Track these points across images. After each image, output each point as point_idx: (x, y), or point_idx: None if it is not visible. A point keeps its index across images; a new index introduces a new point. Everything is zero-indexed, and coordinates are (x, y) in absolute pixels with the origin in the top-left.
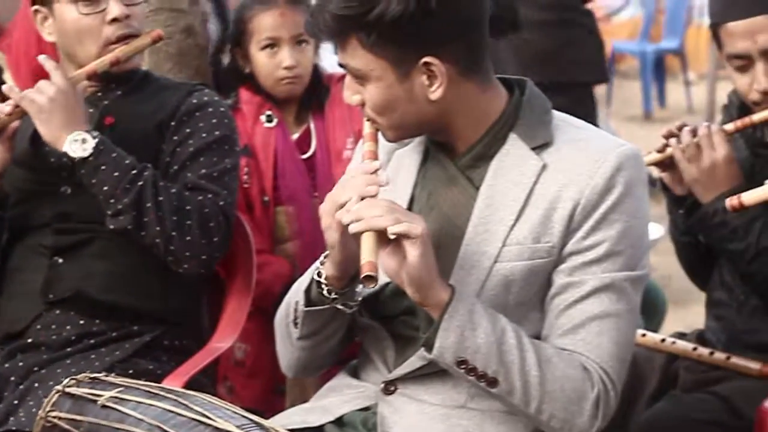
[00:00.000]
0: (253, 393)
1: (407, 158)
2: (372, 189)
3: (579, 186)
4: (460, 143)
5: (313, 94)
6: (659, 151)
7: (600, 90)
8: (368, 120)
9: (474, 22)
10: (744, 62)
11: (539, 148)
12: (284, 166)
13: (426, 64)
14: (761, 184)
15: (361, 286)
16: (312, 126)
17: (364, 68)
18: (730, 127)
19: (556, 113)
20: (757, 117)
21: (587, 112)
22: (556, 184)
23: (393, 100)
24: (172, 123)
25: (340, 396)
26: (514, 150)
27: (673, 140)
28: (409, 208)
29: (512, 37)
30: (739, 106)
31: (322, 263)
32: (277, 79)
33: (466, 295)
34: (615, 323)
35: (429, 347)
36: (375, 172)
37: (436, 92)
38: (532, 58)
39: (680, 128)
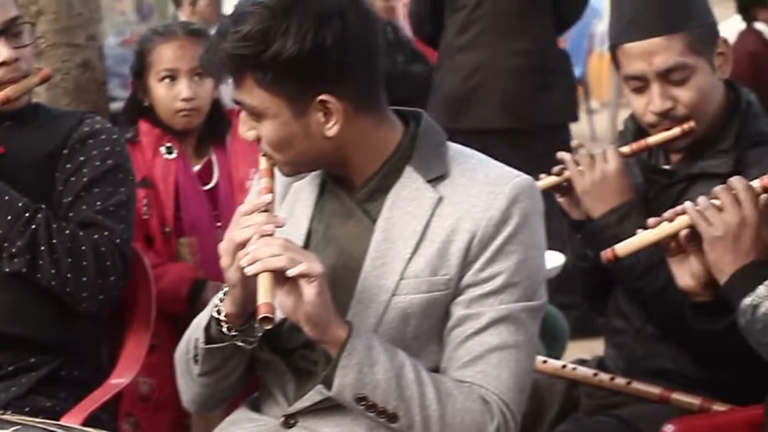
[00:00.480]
0: (159, 428)
1: (304, 191)
2: (269, 228)
3: (475, 218)
4: (356, 177)
5: (214, 127)
6: (556, 174)
7: None
8: (264, 155)
9: (369, 59)
10: (640, 83)
11: (435, 180)
12: (186, 196)
13: (322, 101)
14: (655, 210)
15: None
16: (213, 158)
17: (259, 106)
18: (626, 149)
19: (452, 145)
20: (652, 139)
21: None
22: (453, 217)
23: (289, 137)
24: (65, 151)
25: (240, 430)
26: (410, 183)
27: (570, 160)
28: (307, 241)
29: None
30: (635, 132)
31: (221, 300)
32: (175, 110)
33: (363, 331)
34: (514, 354)
35: (328, 385)
36: (270, 208)
37: (332, 129)
38: (510, 103)
39: (576, 148)
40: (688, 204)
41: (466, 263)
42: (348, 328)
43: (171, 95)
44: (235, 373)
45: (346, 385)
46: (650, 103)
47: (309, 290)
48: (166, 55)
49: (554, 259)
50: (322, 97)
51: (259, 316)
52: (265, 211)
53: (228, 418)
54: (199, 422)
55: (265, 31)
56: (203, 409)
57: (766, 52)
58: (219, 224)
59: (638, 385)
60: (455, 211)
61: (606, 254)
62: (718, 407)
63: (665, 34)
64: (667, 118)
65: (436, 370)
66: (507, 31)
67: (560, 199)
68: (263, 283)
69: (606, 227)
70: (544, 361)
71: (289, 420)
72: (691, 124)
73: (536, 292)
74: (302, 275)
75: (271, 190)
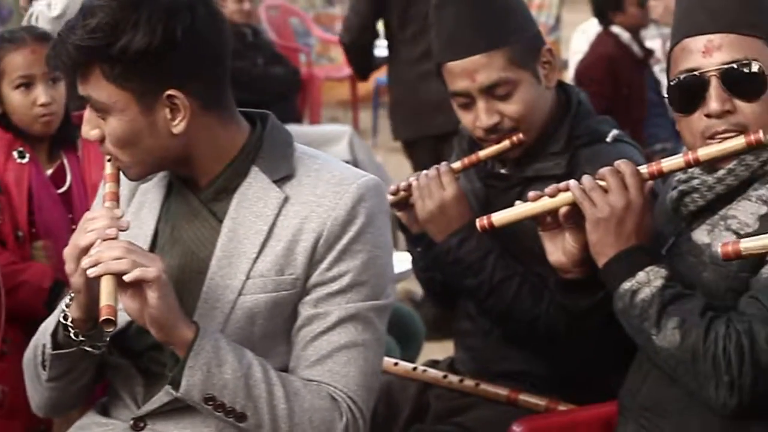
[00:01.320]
0: None
1: (151, 193)
2: (112, 231)
3: (321, 218)
4: (202, 177)
5: (65, 131)
6: (393, 193)
7: (366, 121)
8: (109, 160)
9: (217, 56)
10: (466, 100)
11: (281, 180)
12: (40, 200)
13: (170, 97)
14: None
15: None
16: (65, 162)
17: (106, 100)
18: (457, 165)
19: (299, 146)
20: (483, 153)
21: None
22: (299, 216)
23: (135, 133)
24: None
25: None
26: (256, 183)
27: (414, 181)
28: (153, 243)
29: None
30: (470, 139)
31: (67, 306)
32: (34, 116)
33: (210, 331)
34: (362, 353)
35: (176, 385)
36: (114, 213)
37: (179, 126)
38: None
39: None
40: (572, 182)
41: (312, 263)
42: (195, 329)
43: (28, 101)
44: (84, 377)
45: (193, 385)
46: (477, 119)
47: (151, 294)
48: (18, 62)
49: (405, 261)
50: (170, 92)
51: (101, 319)
52: (109, 215)
53: (77, 423)
54: (62, 426)
55: (114, 23)
56: (52, 413)
57: (621, 55)
58: (74, 227)
59: (487, 387)
60: (301, 210)
61: (481, 222)
62: (564, 407)
63: (485, 51)
64: (495, 132)
65: (285, 370)
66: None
67: (399, 214)
68: (105, 286)
69: (448, 251)
70: (396, 363)
71: (138, 423)
72: (520, 136)
73: (383, 291)
74: (139, 280)
75: (116, 196)
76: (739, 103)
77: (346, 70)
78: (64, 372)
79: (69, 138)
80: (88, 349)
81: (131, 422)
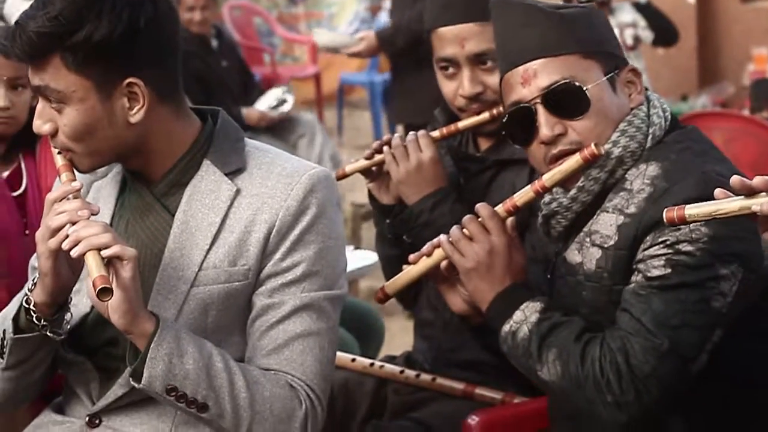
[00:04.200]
0: None
1: (105, 189)
2: (84, 213)
3: (273, 209)
4: (155, 170)
5: (24, 133)
6: (367, 158)
7: (331, 120)
8: (60, 152)
9: (173, 48)
10: (452, 68)
11: (233, 173)
12: None
13: (129, 84)
14: (467, 196)
15: (69, 315)
16: (23, 164)
17: (65, 89)
18: (435, 134)
19: (249, 141)
20: (462, 124)
21: None
22: (251, 208)
23: (93, 123)
24: None
25: None
26: (208, 176)
27: (385, 147)
28: None
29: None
30: (446, 122)
31: (30, 290)
32: None
33: (170, 322)
34: (317, 341)
35: (137, 377)
36: (79, 195)
37: (136, 115)
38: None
39: (389, 139)
40: (442, 237)
41: (265, 254)
42: (156, 321)
43: None
44: (40, 368)
45: (155, 376)
46: (460, 87)
47: (124, 273)
48: None
49: (368, 258)
50: (131, 79)
51: (98, 288)
52: (75, 198)
53: (33, 422)
54: (6, 426)
55: (77, 11)
56: (5, 407)
57: None
58: (27, 232)
59: (443, 381)
60: (253, 202)
61: (377, 295)
62: (519, 400)
63: (480, 20)
64: (476, 101)
65: (239, 361)
66: None
67: (369, 185)
68: (91, 261)
69: (420, 213)
70: (353, 359)
71: (94, 420)
72: (500, 108)
73: (336, 281)
74: (118, 257)
75: (75, 179)
76: (569, 123)
77: (311, 69)
78: (22, 359)
79: (29, 140)
80: (49, 334)
81: (86, 419)
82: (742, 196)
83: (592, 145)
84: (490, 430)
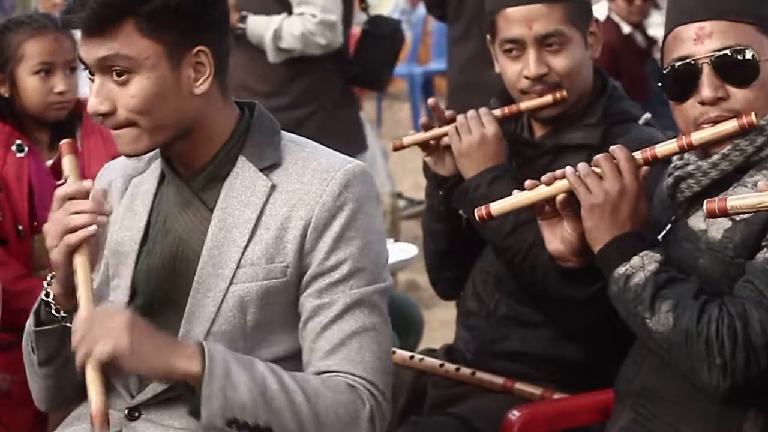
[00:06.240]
0: (20, 423)
1: (144, 185)
2: (102, 219)
3: (309, 205)
4: (195, 161)
5: (68, 121)
6: (426, 130)
7: (370, 112)
8: (69, 155)
9: (229, 18)
10: (517, 50)
11: (268, 169)
12: (40, 195)
13: (198, 53)
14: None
15: None
16: None
17: (137, 56)
18: (497, 112)
19: (285, 134)
20: (524, 105)
21: None
22: (287, 205)
23: (162, 92)
24: None
25: (84, 423)
26: (244, 172)
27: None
28: (146, 233)
29: None
30: (506, 102)
31: (48, 283)
32: (49, 104)
33: (217, 353)
34: (373, 336)
35: (196, 416)
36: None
37: (202, 86)
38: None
39: (433, 106)
40: (568, 169)
41: (304, 251)
42: (200, 357)
43: (45, 88)
44: (65, 359)
45: (213, 414)
46: (525, 68)
47: (124, 363)
48: (39, 49)
49: (407, 251)
50: (201, 47)
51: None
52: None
53: (73, 413)
54: (55, 416)
55: None
56: (53, 405)
57: (623, 45)
58: None
59: (483, 375)
60: (289, 198)
61: (480, 212)
62: (559, 396)
63: (547, 1)
64: (540, 83)
65: (279, 360)
66: None
67: (426, 157)
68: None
69: (477, 187)
70: (393, 352)
71: (133, 413)
72: (563, 92)
73: (381, 274)
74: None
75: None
76: (732, 90)
77: None
78: (52, 354)
79: (71, 128)
80: (69, 325)
81: (126, 412)
82: None
83: (753, 115)
84: (532, 425)
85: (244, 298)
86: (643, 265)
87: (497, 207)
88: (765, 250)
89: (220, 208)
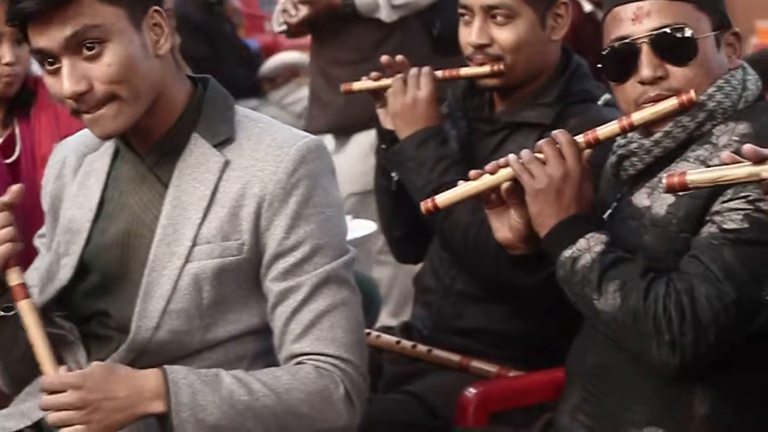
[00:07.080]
0: None
1: (97, 162)
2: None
3: (263, 182)
4: (150, 136)
5: (22, 96)
6: (374, 79)
7: None
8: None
9: None
10: (468, 15)
11: (221, 144)
12: None
13: (153, 14)
14: (476, 157)
15: None
16: (17, 130)
17: (105, 22)
18: (438, 73)
19: (240, 109)
20: (464, 71)
21: None
22: (240, 181)
23: (135, 54)
24: None
25: (37, 400)
26: (197, 148)
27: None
28: (99, 211)
29: None
30: (465, 89)
31: None
32: None
33: (178, 379)
34: (343, 312)
35: None
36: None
37: (164, 46)
38: None
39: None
40: (511, 156)
41: (260, 228)
42: (164, 390)
43: None
44: (19, 344)
45: None
46: (469, 35)
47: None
48: None
49: (366, 227)
50: (155, 6)
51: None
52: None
53: (26, 389)
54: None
55: None
56: (14, 387)
57: (583, 22)
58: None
59: (439, 353)
60: (243, 175)
61: (426, 205)
62: (514, 374)
63: None
64: (482, 53)
65: (235, 338)
66: None
67: (379, 110)
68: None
69: (405, 150)
70: None
71: None
72: (501, 66)
73: (344, 247)
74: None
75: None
76: (671, 68)
77: None
78: None
79: (25, 104)
80: (0, 312)
81: None
82: (750, 163)
83: (692, 92)
84: (487, 403)
85: (200, 275)
86: (589, 247)
87: (443, 199)
88: (709, 224)
89: (174, 185)
